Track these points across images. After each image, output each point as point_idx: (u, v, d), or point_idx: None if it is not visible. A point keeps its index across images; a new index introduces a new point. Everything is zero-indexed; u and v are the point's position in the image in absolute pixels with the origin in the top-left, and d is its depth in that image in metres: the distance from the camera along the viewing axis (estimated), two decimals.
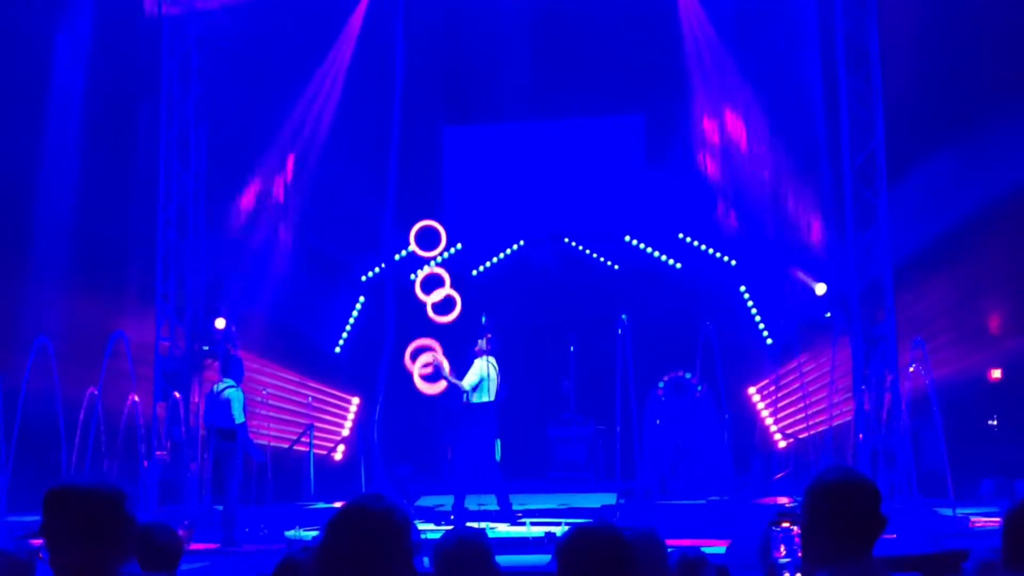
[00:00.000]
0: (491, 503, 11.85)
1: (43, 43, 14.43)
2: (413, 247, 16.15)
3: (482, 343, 12.06)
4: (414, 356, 15.39)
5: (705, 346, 11.55)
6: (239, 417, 10.77)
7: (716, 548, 6.91)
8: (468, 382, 11.93)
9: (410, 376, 15.27)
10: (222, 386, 10.97)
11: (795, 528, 3.43)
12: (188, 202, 14.46)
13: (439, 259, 16.40)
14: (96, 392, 10.68)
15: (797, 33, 14.56)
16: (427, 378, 14.94)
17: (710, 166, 16.48)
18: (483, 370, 11.90)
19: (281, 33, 15.13)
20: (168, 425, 13.16)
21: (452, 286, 15.76)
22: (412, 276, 16.33)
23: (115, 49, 14.61)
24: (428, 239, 16.21)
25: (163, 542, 4.28)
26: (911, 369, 11.01)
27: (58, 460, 10.39)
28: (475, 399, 11.93)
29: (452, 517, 11.53)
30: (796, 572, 3.45)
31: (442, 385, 13.81)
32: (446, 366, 12.73)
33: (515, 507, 11.63)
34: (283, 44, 15.26)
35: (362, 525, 2.73)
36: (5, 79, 13.64)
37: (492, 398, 11.90)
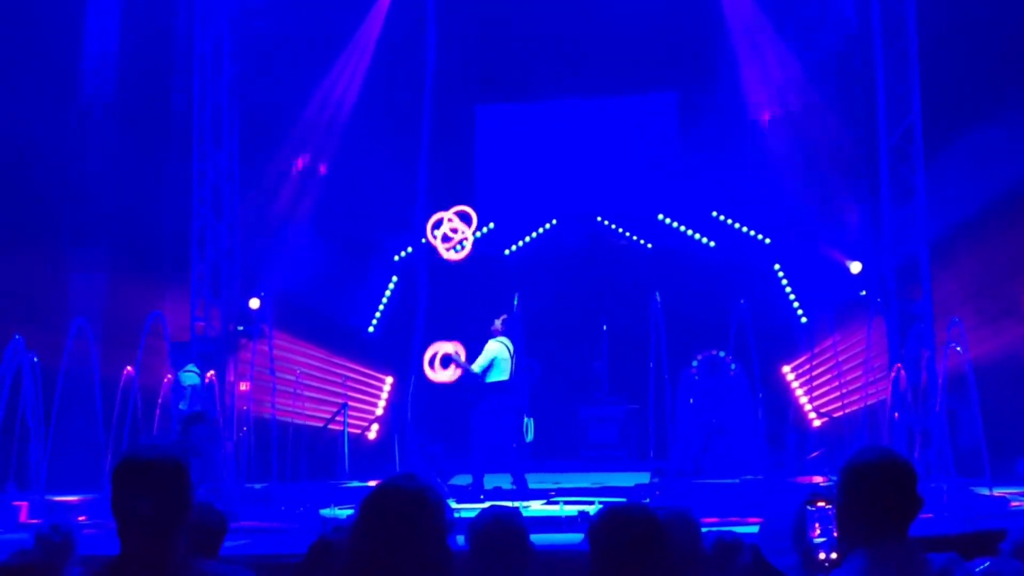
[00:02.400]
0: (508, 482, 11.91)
1: (75, 24, 14.49)
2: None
3: (497, 323, 12.11)
4: (437, 362, 15.42)
5: (739, 325, 11.45)
6: None
7: (750, 527, 6.87)
8: (478, 364, 12.00)
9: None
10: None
11: (830, 507, 3.40)
12: (223, 182, 14.51)
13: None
14: (133, 372, 10.77)
15: (833, 6, 14.39)
16: (442, 362, 14.94)
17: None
18: (494, 351, 11.95)
19: (312, 11, 15.13)
20: None
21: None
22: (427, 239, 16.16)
23: (148, 29, 14.67)
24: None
25: (208, 523, 4.23)
26: (954, 348, 10.86)
27: (95, 439, 10.48)
28: (488, 378, 11.99)
29: (482, 497, 11.56)
30: (831, 552, 3.42)
31: (452, 372, 13.78)
32: (462, 355, 12.79)
33: (548, 486, 11.64)
34: (314, 23, 15.25)
35: (396, 505, 2.73)
36: (38, 60, 13.72)
37: (506, 377, 11.93)
